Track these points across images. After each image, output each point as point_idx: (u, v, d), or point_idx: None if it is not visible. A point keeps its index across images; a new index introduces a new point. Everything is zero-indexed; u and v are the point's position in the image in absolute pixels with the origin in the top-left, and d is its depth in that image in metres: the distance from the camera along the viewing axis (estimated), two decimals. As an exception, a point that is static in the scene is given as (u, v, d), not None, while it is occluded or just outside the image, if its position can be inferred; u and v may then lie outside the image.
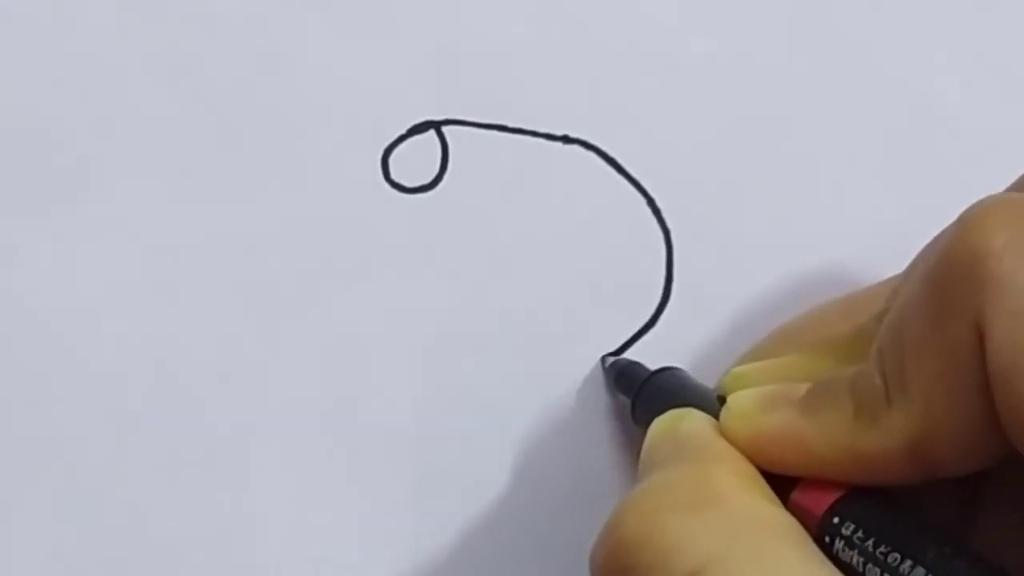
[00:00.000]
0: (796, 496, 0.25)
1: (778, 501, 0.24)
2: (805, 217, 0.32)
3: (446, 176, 0.32)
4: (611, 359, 0.32)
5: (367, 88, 0.33)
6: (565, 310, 0.32)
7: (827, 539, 0.24)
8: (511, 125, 0.33)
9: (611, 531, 0.23)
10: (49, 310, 0.31)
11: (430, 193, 0.32)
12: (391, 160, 0.32)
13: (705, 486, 0.23)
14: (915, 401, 0.22)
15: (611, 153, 0.33)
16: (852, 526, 0.24)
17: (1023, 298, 0.21)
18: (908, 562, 0.23)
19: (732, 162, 0.33)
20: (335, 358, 0.31)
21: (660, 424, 0.27)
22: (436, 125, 0.33)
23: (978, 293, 0.21)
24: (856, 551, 0.24)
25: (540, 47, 0.34)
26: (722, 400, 0.27)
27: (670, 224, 0.33)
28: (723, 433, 0.25)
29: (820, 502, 0.25)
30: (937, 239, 0.23)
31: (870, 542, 0.24)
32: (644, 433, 0.28)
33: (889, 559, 0.23)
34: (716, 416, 0.26)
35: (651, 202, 0.33)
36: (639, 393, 0.30)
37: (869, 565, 0.23)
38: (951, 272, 0.22)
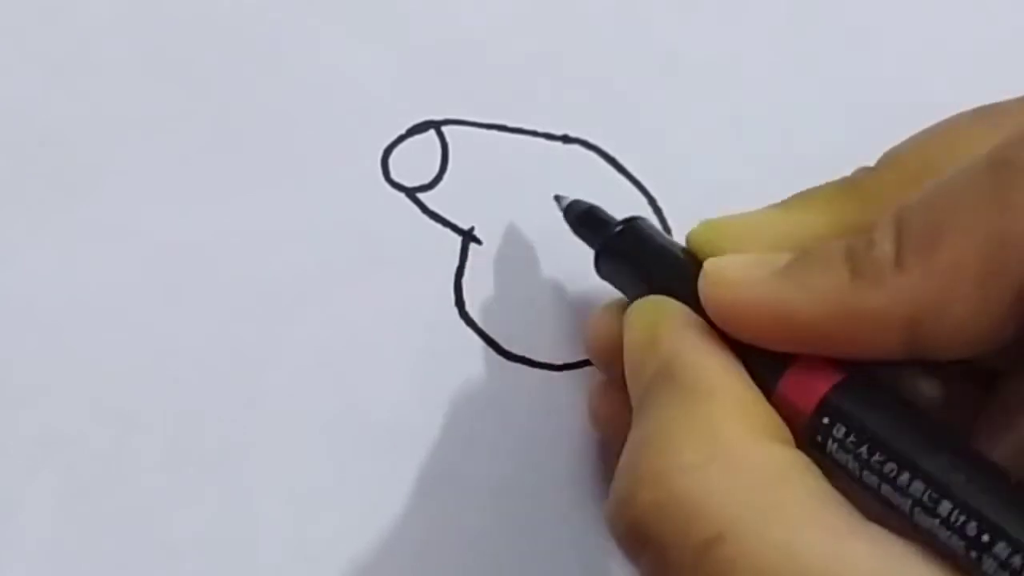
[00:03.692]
0: (783, 389, 0.24)
1: (784, 434, 0.23)
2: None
3: (446, 176, 0.33)
4: (567, 199, 0.31)
5: (367, 88, 0.33)
6: (567, 309, 0.32)
7: (819, 439, 0.23)
8: (511, 125, 0.33)
9: (624, 505, 0.23)
10: (49, 310, 0.31)
11: (430, 193, 0.32)
12: (391, 160, 0.32)
13: (708, 436, 0.23)
14: (941, 268, 0.22)
15: (611, 153, 0.33)
16: (843, 429, 0.23)
17: None
18: (906, 474, 0.22)
19: (732, 162, 0.33)
20: (335, 357, 0.31)
21: (639, 324, 0.26)
22: (436, 125, 0.33)
23: None
24: (851, 455, 0.22)
25: (540, 47, 0.34)
26: (691, 256, 0.26)
27: (670, 223, 0.33)
28: (704, 302, 0.25)
29: (809, 396, 0.23)
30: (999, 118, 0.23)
31: (864, 448, 0.22)
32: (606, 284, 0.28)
33: (885, 468, 0.22)
34: (685, 282, 0.25)
35: (652, 201, 0.33)
36: (604, 247, 0.29)
37: (865, 472, 0.22)
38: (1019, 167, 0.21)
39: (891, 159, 0.26)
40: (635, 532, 0.23)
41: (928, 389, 0.24)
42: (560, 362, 0.31)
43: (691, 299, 0.25)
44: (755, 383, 0.24)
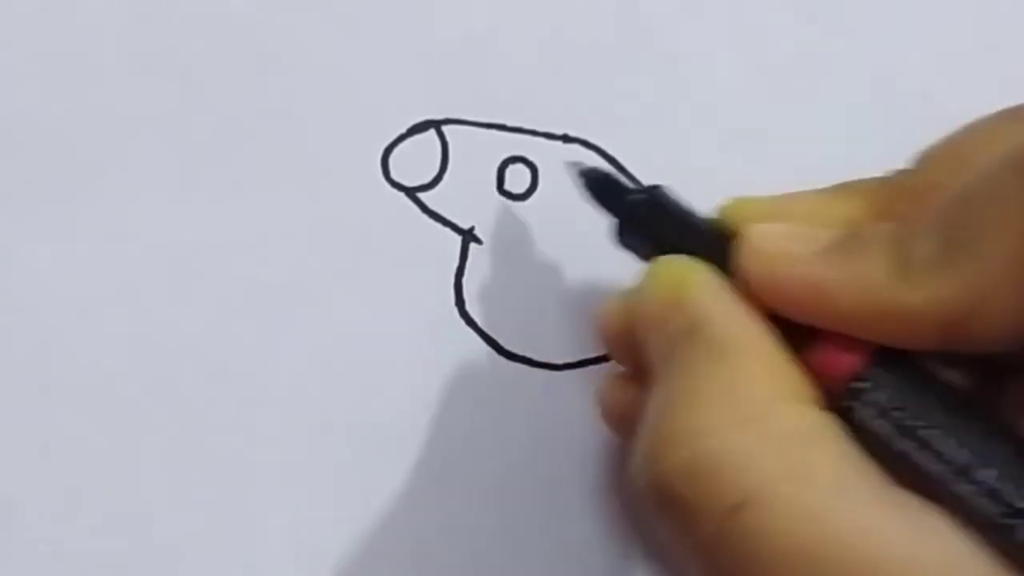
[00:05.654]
0: (820, 355, 0.23)
1: (813, 396, 0.23)
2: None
3: (446, 175, 0.32)
4: (581, 164, 0.29)
5: (367, 88, 0.33)
6: (566, 309, 0.32)
7: (850, 404, 0.23)
8: (511, 125, 0.33)
9: (648, 465, 0.22)
10: (49, 310, 0.31)
11: (430, 192, 0.32)
12: (391, 159, 0.32)
13: (734, 397, 0.22)
14: (977, 271, 0.21)
15: (611, 153, 0.33)
16: (886, 393, 0.22)
17: None
18: (951, 440, 0.22)
19: (732, 161, 0.33)
20: (335, 357, 0.31)
21: (664, 281, 0.25)
22: (436, 125, 0.33)
23: None
24: (887, 421, 0.22)
25: (540, 47, 0.34)
26: (719, 226, 0.26)
27: (670, 224, 0.32)
28: (743, 270, 0.24)
29: (845, 363, 0.23)
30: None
31: (906, 413, 0.22)
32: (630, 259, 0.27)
33: (926, 434, 0.22)
34: (714, 250, 0.25)
35: (651, 201, 0.33)
36: (629, 215, 0.28)
37: (901, 438, 0.22)
38: None
39: (928, 158, 0.26)
40: (658, 493, 0.22)
41: (952, 376, 0.24)
42: (561, 362, 0.31)
43: (718, 269, 0.25)
44: (785, 345, 0.24)
